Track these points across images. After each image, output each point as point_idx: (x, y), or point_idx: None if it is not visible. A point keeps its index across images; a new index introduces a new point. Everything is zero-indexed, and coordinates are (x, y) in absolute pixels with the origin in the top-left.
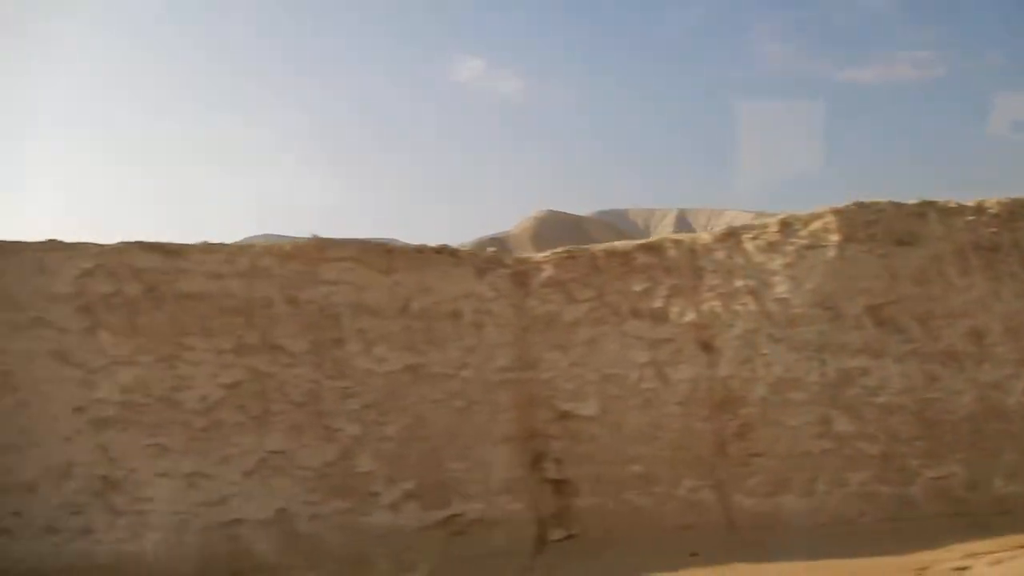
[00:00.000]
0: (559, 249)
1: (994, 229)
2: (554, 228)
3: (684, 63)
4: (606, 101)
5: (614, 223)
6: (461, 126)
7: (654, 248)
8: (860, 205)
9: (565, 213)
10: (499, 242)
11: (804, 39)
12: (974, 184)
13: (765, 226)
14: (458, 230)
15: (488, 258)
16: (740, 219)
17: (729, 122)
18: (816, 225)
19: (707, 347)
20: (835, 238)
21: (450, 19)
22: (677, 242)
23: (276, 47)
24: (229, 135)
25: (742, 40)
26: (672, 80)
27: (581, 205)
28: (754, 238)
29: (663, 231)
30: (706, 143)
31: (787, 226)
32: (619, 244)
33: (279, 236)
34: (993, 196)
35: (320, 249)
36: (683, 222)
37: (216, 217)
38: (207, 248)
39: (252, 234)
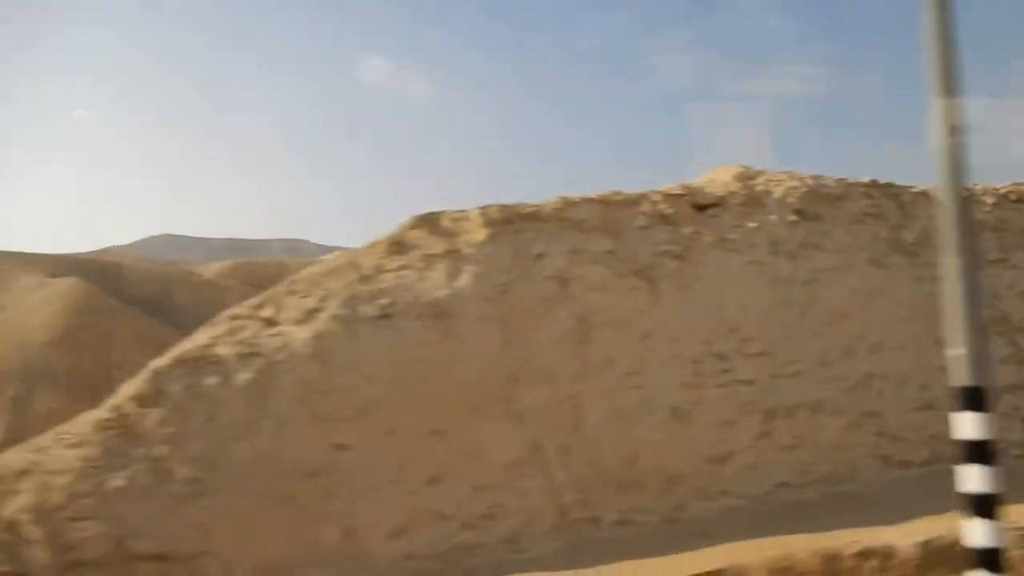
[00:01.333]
0: None
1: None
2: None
3: (595, 72)
4: (517, 106)
5: None
6: (367, 127)
7: None
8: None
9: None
10: None
11: (705, 53)
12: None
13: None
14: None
15: None
16: None
17: (640, 129)
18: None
19: None
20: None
21: (355, 18)
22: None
23: (182, 42)
24: (137, 133)
25: (649, 51)
26: (583, 87)
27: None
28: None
29: None
30: (620, 148)
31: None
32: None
33: (180, 236)
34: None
35: None
36: None
37: (113, 216)
38: None
39: (153, 233)
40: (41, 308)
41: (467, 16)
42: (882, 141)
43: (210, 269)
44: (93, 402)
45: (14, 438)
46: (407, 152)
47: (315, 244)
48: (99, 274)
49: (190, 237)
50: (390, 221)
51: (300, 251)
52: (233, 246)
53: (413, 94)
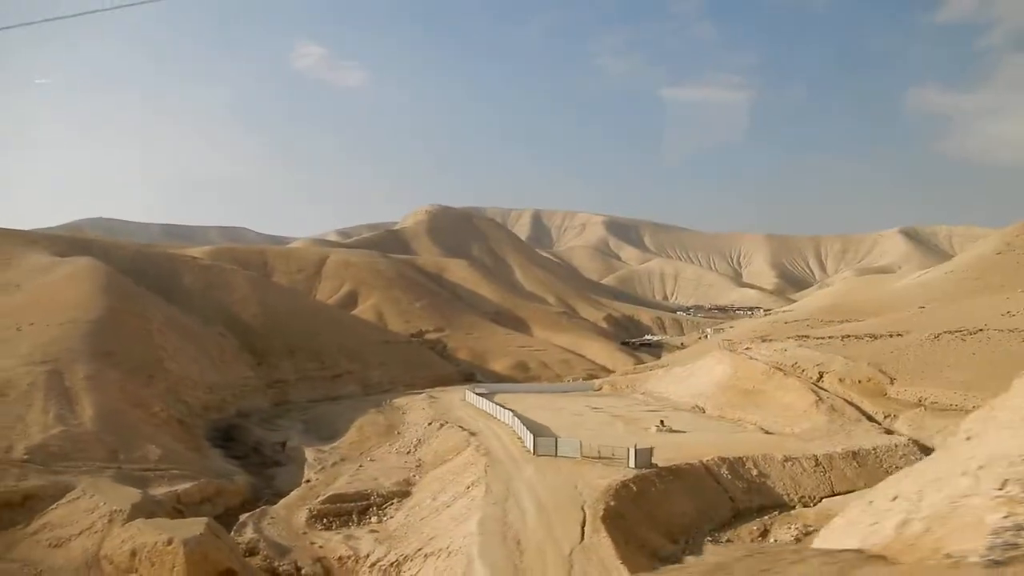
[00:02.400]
0: None
1: None
2: (446, 221)
3: (530, 69)
4: (455, 100)
5: (496, 218)
6: (301, 115)
7: None
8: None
9: (454, 208)
10: (395, 235)
11: (638, 56)
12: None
13: None
14: (312, 222)
15: None
16: (592, 221)
17: (576, 129)
18: None
19: None
20: None
21: (288, 3)
22: None
23: (115, 28)
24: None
25: (583, 52)
26: (519, 84)
27: (433, 202)
28: None
29: (520, 229)
30: (554, 147)
31: None
32: None
33: (111, 220)
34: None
35: None
36: (538, 222)
37: (43, 200)
38: None
39: (87, 216)
40: (67, 288)
41: (406, 5)
42: (801, 154)
43: (193, 254)
44: (152, 383)
45: (105, 414)
46: (343, 142)
47: (255, 232)
48: (103, 256)
49: (125, 221)
50: (332, 213)
51: (242, 239)
52: (171, 232)
53: (347, 84)
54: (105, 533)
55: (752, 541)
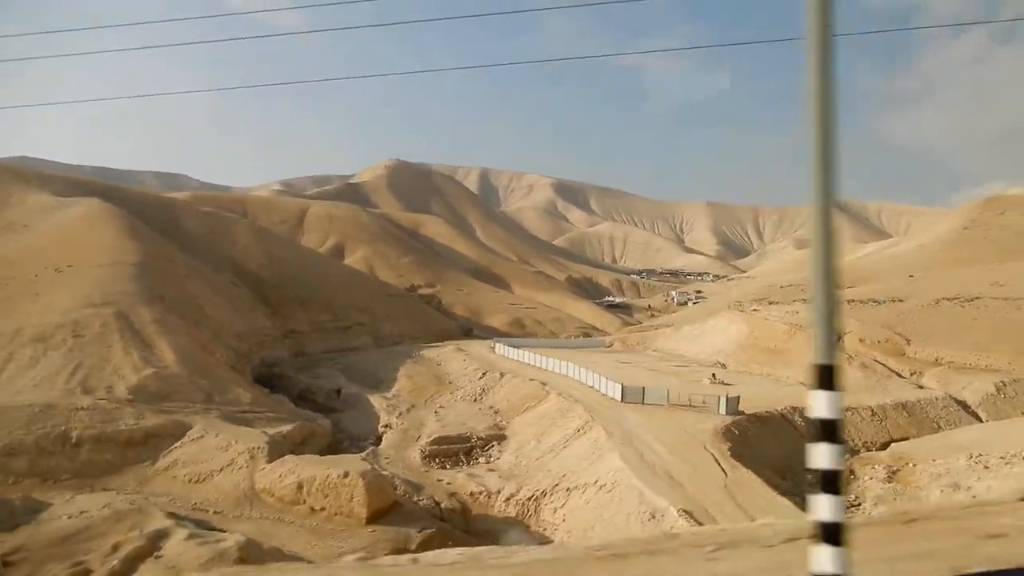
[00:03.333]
0: None
1: None
2: (406, 177)
3: (477, 22)
4: (393, 53)
5: (451, 175)
6: (235, 57)
7: None
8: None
9: (413, 163)
10: (354, 188)
11: (588, 20)
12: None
13: None
14: (251, 171)
15: None
16: (540, 183)
17: (521, 89)
18: None
19: None
20: None
21: None
22: None
23: None
24: None
25: (531, 12)
26: (463, 39)
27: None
28: None
29: (468, 187)
30: (502, 106)
31: None
32: None
33: (35, 159)
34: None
35: None
36: (486, 180)
37: None
38: None
39: (9, 155)
40: (89, 230)
41: None
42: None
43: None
44: (200, 328)
45: (184, 358)
46: (281, 88)
47: (196, 180)
48: (103, 198)
49: (50, 162)
50: (272, 161)
51: (182, 186)
52: (103, 175)
53: (285, 24)
54: (251, 468)
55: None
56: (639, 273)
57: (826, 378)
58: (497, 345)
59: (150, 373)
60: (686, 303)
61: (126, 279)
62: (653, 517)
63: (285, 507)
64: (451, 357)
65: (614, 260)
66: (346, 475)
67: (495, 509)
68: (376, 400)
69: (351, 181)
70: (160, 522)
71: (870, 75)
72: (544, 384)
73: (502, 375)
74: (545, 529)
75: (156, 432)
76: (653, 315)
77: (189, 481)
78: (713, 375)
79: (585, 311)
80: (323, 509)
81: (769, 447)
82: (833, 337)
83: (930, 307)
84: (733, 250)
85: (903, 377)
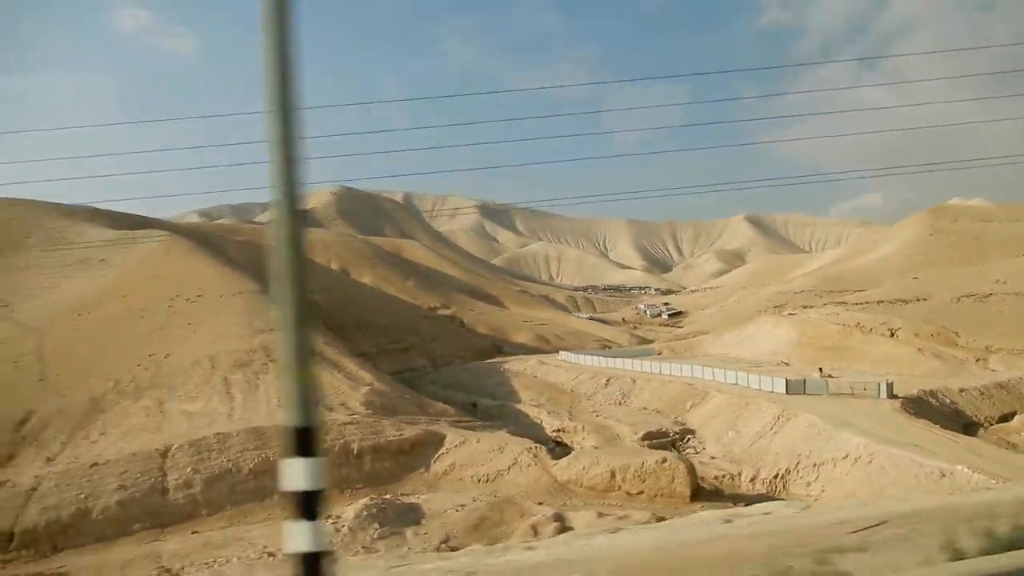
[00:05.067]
0: None
1: None
2: (353, 203)
3: (377, 49)
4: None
5: (405, 201)
6: (127, 83)
7: None
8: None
9: (358, 190)
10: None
11: (485, 43)
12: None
13: None
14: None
15: None
16: (464, 205)
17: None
18: None
19: None
20: None
21: None
22: None
23: None
24: None
25: (432, 36)
26: (365, 62)
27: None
28: None
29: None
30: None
31: None
32: None
33: None
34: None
35: None
36: (410, 204)
37: None
38: None
39: None
40: (179, 263)
41: None
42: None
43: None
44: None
45: (375, 375)
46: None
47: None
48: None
49: None
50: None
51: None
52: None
53: (179, 51)
54: (542, 465)
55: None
56: (584, 289)
57: (303, 442)
58: (586, 357)
59: (367, 390)
60: (659, 315)
61: (265, 307)
62: (944, 475)
63: (599, 494)
64: (545, 370)
65: (551, 278)
66: (664, 460)
67: (743, 488)
68: (528, 409)
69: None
70: (538, 509)
71: (758, 95)
72: (690, 384)
73: (634, 381)
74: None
75: (420, 441)
76: (635, 328)
77: (479, 481)
78: (820, 369)
79: (589, 326)
80: (640, 492)
81: (938, 422)
82: (311, 392)
83: (952, 303)
84: (656, 264)
85: (959, 363)
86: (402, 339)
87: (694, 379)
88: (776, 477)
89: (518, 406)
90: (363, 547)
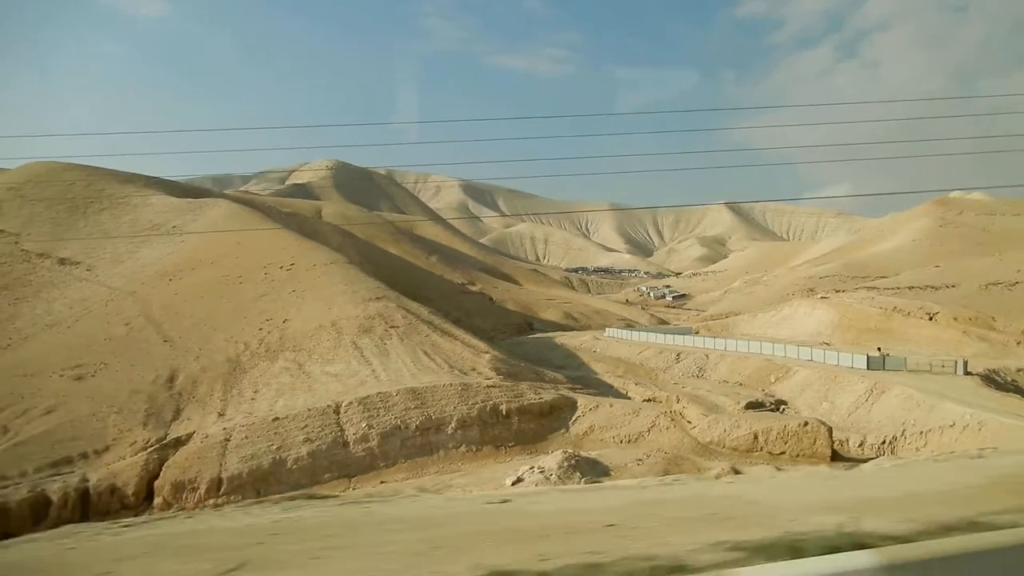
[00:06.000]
0: None
1: None
2: (349, 177)
3: (355, 25)
4: (267, 48)
5: (391, 176)
6: (98, 47)
7: None
8: None
9: (354, 165)
10: (303, 189)
11: (467, 21)
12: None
13: None
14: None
15: None
16: (447, 184)
17: (408, 90)
18: None
19: None
20: None
21: None
22: None
23: None
24: None
25: (412, 12)
26: (344, 40)
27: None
28: None
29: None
30: (386, 104)
31: None
32: None
33: None
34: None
35: None
36: (391, 181)
37: None
38: None
39: None
40: (256, 232)
41: None
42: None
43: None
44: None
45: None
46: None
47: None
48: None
49: None
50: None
51: None
52: None
53: (148, 13)
54: (680, 427)
55: None
56: (575, 271)
57: None
58: (638, 332)
59: (489, 357)
60: (663, 297)
61: (362, 276)
62: None
63: (741, 454)
64: (602, 345)
65: (537, 259)
66: (806, 424)
67: (851, 453)
68: (611, 380)
69: (296, 182)
70: (709, 463)
71: (735, 84)
72: (768, 360)
73: (707, 356)
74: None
75: (556, 404)
76: (644, 308)
77: (621, 442)
78: (879, 348)
79: (602, 305)
80: (782, 453)
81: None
82: None
83: (981, 290)
84: (639, 248)
85: (1003, 346)
86: (449, 313)
87: (773, 356)
88: (883, 443)
89: (598, 377)
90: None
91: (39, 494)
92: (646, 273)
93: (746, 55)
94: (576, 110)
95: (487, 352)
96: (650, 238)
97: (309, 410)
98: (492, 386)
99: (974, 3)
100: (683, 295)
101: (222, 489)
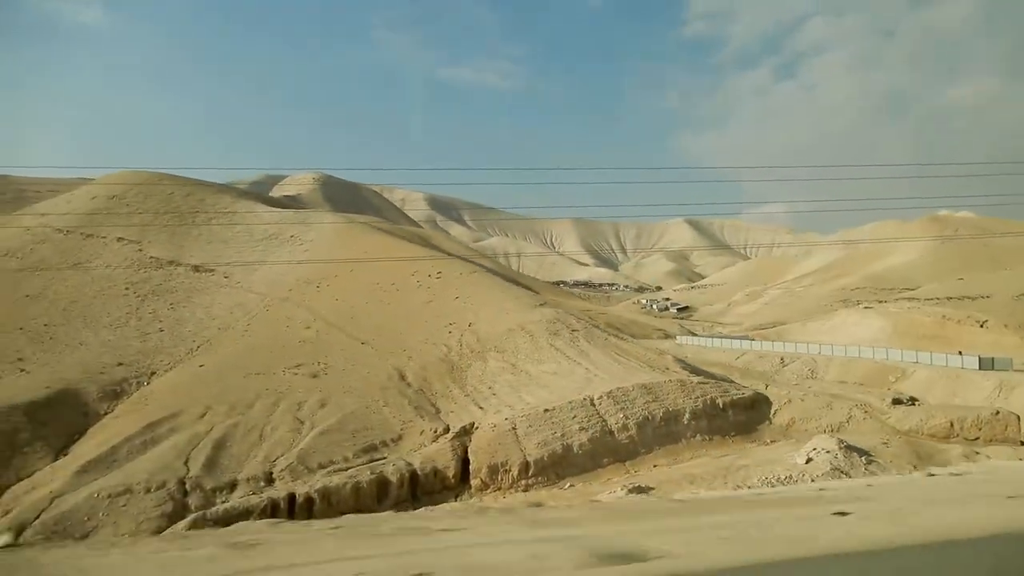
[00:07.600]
0: None
1: None
2: (336, 190)
3: (303, 37)
4: (214, 51)
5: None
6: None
7: None
8: None
9: (339, 178)
10: (294, 201)
11: (415, 34)
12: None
13: None
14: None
15: None
16: (412, 197)
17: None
18: None
19: None
20: None
21: None
22: None
23: None
24: None
25: (361, 25)
26: (289, 51)
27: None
28: None
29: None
30: (335, 117)
31: None
32: None
33: None
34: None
35: None
36: (375, 194)
37: None
38: None
39: None
40: (367, 241)
41: None
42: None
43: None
44: None
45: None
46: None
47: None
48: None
49: None
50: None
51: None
52: None
53: (83, 20)
54: (873, 418)
55: None
56: (556, 284)
57: None
58: (720, 341)
59: (672, 357)
60: (666, 309)
61: (505, 283)
62: None
63: (939, 441)
64: (692, 351)
65: (517, 273)
66: (997, 412)
67: None
68: (739, 382)
69: (286, 194)
70: (942, 446)
71: (679, 100)
72: (878, 362)
73: (814, 359)
74: None
75: (756, 399)
76: (658, 318)
77: (824, 431)
78: (960, 352)
79: (632, 316)
80: (977, 439)
81: None
82: None
83: (1014, 300)
84: (604, 262)
85: None
86: None
87: (888, 359)
88: None
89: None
90: (866, 472)
91: (379, 476)
92: (625, 287)
93: (692, 72)
94: (522, 124)
95: (666, 353)
96: (614, 252)
97: (570, 402)
98: (703, 382)
99: (900, 27)
100: (686, 307)
101: (531, 471)
